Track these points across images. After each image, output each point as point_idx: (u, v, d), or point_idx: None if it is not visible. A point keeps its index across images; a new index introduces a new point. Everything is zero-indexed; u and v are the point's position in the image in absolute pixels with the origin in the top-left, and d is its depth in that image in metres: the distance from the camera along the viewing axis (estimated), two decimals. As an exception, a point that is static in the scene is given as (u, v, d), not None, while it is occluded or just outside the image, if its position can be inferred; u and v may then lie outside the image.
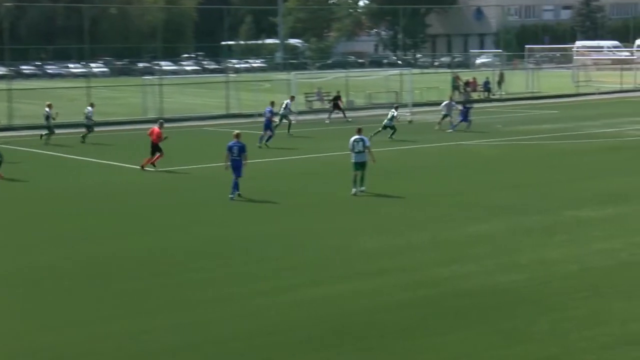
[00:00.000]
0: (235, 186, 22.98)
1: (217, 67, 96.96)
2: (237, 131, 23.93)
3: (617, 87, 63.56)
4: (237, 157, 23.08)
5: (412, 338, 12.14)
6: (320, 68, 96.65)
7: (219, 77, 66.33)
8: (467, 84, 58.03)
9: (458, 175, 26.46)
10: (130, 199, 23.66)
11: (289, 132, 37.97)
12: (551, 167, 27.54)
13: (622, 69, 65.58)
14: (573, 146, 32.87)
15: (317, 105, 52.37)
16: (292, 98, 40.64)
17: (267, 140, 34.25)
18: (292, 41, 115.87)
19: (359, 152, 23.26)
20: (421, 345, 11.91)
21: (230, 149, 23.27)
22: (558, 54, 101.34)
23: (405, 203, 22.12)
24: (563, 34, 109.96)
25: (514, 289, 14.32)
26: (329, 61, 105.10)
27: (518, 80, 62.75)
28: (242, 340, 12.25)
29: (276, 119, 37.09)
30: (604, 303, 13.49)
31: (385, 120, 35.87)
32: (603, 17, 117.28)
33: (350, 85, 53.83)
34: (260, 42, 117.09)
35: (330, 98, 46.72)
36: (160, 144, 28.15)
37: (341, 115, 44.83)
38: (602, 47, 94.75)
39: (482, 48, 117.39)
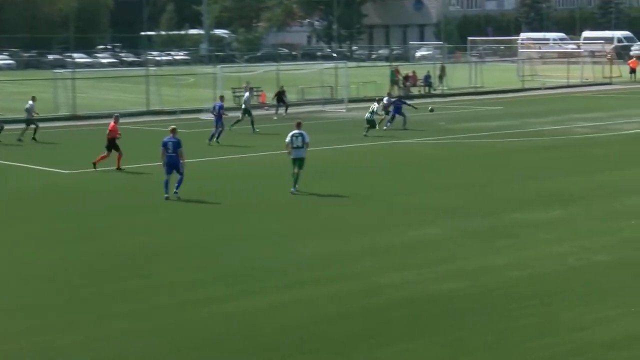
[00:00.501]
0: (167, 185, 23.12)
1: (135, 59, 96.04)
2: (172, 126, 24.17)
3: (564, 81, 64.88)
4: (172, 153, 23.23)
5: (352, 351, 12.22)
6: (248, 61, 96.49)
7: (138, 70, 65.71)
8: (406, 78, 58.58)
9: (399, 175, 26.70)
10: (54, 202, 23.33)
11: (253, 128, 38.10)
12: (496, 166, 27.99)
13: (568, 63, 66.94)
14: (519, 144, 33.45)
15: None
16: (251, 90, 40.75)
17: (217, 137, 34.31)
18: (218, 32, 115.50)
19: (298, 147, 23.49)
20: (362, 359, 11.98)
21: (165, 145, 23.43)
22: (502, 46, 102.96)
23: (343, 205, 22.22)
24: (507, 25, 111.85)
25: (458, 298, 14.52)
26: (258, 53, 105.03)
27: (460, 74, 63.60)
28: (166, 356, 12.17)
29: (238, 114, 37.64)
30: (552, 311, 13.76)
31: (367, 114, 36.48)
32: (548, 7, 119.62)
33: (282, 80, 53.82)
34: (183, 32, 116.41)
35: (275, 92, 46.77)
36: (117, 142, 28.16)
37: (283, 110, 45.06)
38: (547, 39, 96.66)
39: (422, 40, 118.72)
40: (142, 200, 23.64)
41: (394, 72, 58.86)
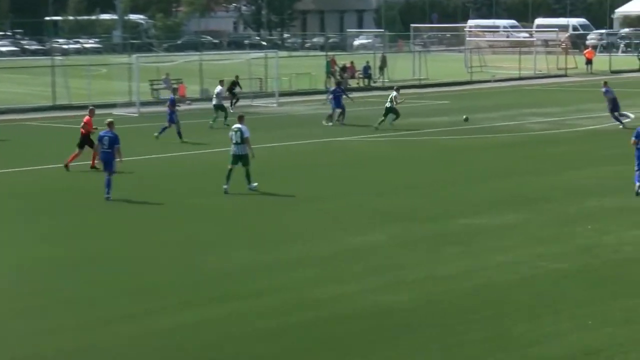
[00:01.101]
0: (108, 184, 23.31)
1: (39, 47, 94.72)
2: (109, 119, 24.48)
3: (515, 73, 65.81)
4: (107, 149, 23.48)
5: (283, 372, 12.25)
6: (168, 50, 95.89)
7: (43, 60, 64.84)
8: (343, 69, 58.83)
9: (337, 176, 26.81)
10: None
11: (225, 120, 38.08)
12: (443, 166, 28.29)
13: (520, 53, 67.89)
14: (468, 142, 33.83)
15: (165, 94, 51.90)
16: (221, 82, 41.08)
17: (164, 131, 34.50)
18: (134, 17, 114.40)
19: (237, 143, 23.88)
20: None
21: (100, 139, 23.71)
22: (448, 34, 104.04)
23: (277, 209, 22.26)
24: (454, 12, 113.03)
25: (401, 311, 14.63)
26: (179, 42, 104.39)
27: (403, 65, 64.07)
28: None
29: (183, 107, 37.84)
30: (504, 325, 13.96)
31: (387, 103, 37.54)
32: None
33: (205, 71, 53.64)
34: (93, 17, 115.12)
35: (229, 84, 46.56)
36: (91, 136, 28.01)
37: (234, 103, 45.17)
38: (497, 27, 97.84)
39: (360, 27, 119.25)
40: (78, 201, 23.43)
41: (330, 63, 59.04)
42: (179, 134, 34.15)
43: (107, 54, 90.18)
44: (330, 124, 38.40)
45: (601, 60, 70.73)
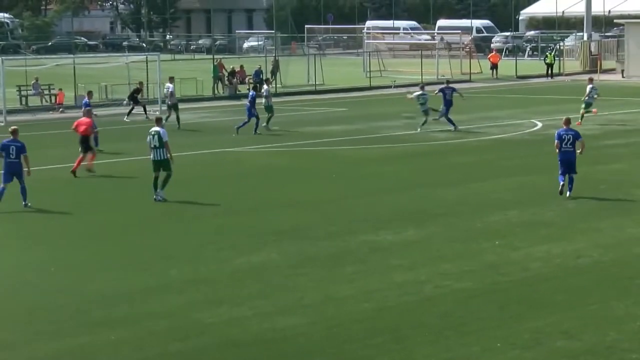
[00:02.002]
0: (23, 192, 23.77)
1: None
2: (13, 127, 24.60)
3: (417, 78, 66.67)
4: (14, 159, 23.61)
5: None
6: (37, 52, 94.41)
7: None
8: (232, 73, 58.82)
9: (227, 190, 26.76)
10: None
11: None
12: (341, 179, 28.47)
13: (422, 56, 68.82)
14: (367, 152, 34.13)
15: (34, 101, 51.16)
16: (171, 79, 41.78)
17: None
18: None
19: (156, 147, 24.37)
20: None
21: (4, 148, 23.80)
22: (345, 36, 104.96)
23: (159, 227, 22.11)
24: (351, 12, 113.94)
25: (295, 336, 14.69)
26: (50, 43, 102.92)
27: (297, 70, 64.38)
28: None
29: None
30: (404, 350, 14.11)
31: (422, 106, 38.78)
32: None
33: (80, 75, 53.00)
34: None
35: (132, 91, 46.09)
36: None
37: (142, 111, 44.76)
38: (397, 28, 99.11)
39: (250, 28, 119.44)
40: None
41: (218, 67, 58.98)
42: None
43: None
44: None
45: (507, 65, 72.19)
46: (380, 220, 22.57)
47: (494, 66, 70.54)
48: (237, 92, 56.74)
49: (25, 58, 65.34)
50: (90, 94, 37.95)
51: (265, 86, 42.17)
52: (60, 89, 50.48)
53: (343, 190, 26.64)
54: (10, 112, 45.21)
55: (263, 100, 40.27)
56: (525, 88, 60.98)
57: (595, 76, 48.85)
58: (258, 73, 60.69)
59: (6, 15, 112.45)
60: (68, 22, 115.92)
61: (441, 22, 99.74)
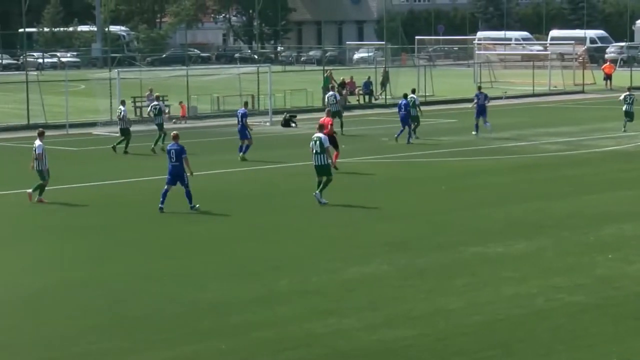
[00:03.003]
0: (187, 195, 25.08)
1: (12, 62, 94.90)
2: (174, 132, 26.04)
3: (529, 90, 65.97)
4: (175, 162, 25.22)
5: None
6: (152, 64, 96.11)
7: (16, 75, 64.94)
8: (342, 84, 58.97)
9: (332, 201, 26.82)
10: None
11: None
12: (452, 190, 28.30)
13: (534, 67, 68.07)
14: (478, 164, 33.88)
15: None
16: (157, 98, 41.15)
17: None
18: (115, 29, 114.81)
19: (317, 153, 25.50)
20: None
21: (168, 153, 25.35)
22: (455, 47, 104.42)
23: (265, 237, 22.26)
24: (461, 23, 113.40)
25: (404, 348, 14.62)
26: (164, 55, 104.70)
27: (406, 81, 64.04)
28: None
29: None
30: (517, 362, 13.96)
31: (411, 109, 39.58)
32: (510, 2, 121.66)
33: (192, 87, 53.77)
34: (71, 29, 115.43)
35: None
36: None
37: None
38: (509, 39, 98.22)
39: (360, 39, 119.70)
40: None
41: (329, 78, 59.18)
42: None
43: (85, 69, 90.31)
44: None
45: (621, 75, 70.91)
46: (490, 233, 22.36)
47: (608, 77, 69.37)
48: (347, 104, 56.78)
49: (140, 70, 66.57)
50: (246, 104, 38.38)
51: (331, 92, 43.72)
52: (181, 102, 50.67)
53: (452, 202, 26.46)
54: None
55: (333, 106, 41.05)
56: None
57: None
58: (367, 84, 60.81)
59: (122, 28, 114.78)
60: (182, 34, 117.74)
61: (554, 33, 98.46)
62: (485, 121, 41.25)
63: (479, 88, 42.88)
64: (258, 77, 54.45)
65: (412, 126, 40.02)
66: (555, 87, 68.64)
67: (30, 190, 26.56)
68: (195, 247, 21.72)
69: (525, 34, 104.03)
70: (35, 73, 63.42)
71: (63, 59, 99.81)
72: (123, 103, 39.80)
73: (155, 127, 38.63)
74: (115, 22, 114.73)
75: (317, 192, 25.58)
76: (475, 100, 41.46)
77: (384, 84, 62.80)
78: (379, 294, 17.47)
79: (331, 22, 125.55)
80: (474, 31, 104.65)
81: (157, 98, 40.80)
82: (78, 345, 15.01)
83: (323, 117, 30.72)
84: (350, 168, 33.56)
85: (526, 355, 14.23)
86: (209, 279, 18.77)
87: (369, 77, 61.10)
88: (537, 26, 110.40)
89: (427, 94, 61.92)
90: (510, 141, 39.85)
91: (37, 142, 26.68)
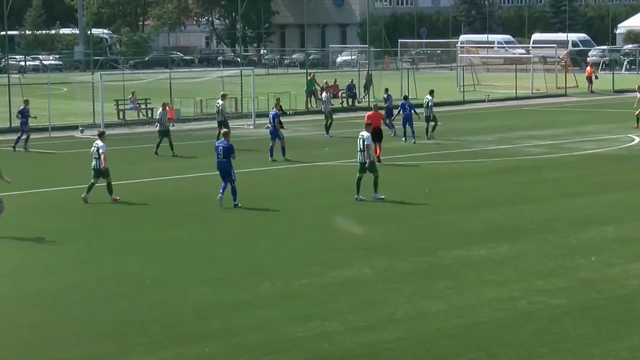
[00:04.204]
0: (232, 192, 25.68)
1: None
2: (224, 130, 26.78)
3: (511, 93, 66.11)
4: (222, 159, 25.73)
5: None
6: (134, 67, 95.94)
7: (-2, 78, 64.68)
8: (325, 88, 58.89)
9: (312, 205, 26.81)
10: None
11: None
12: (433, 194, 28.30)
13: (516, 71, 68.23)
14: (459, 167, 33.90)
15: (131, 115, 51.89)
16: (223, 97, 40.85)
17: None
18: (97, 32, 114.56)
19: (360, 150, 26.50)
20: None
21: (215, 150, 25.95)
22: (438, 50, 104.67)
23: (246, 241, 22.22)
24: (444, 26, 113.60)
25: (385, 351, 14.60)
26: (146, 58, 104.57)
27: (390, 84, 63.95)
28: None
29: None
30: (499, 365, 13.96)
31: (424, 110, 41.02)
32: (492, 5, 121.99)
33: (175, 90, 53.67)
34: (53, 32, 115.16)
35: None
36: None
37: None
38: (492, 42, 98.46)
39: (343, 42, 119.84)
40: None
41: (312, 81, 59.18)
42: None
43: (68, 72, 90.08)
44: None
45: (603, 79, 71.14)
46: (472, 236, 22.37)
47: (590, 80, 69.55)
48: (331, 106, 56.70)
49: (123, 73, 66.39)
50: (278, 105, 38.24)
51: (325, 93, 45.78)
52: (168, 103, 50.05)
53: (435, 205, 26.47)
54: (108, 125, 45.91)
55: (322, 107, 44.05)
56: (622, 102, 59.94)
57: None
58: (350, 87, 60.82)
59: (105, 31, 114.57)
60: (164, 37, 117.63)
61: (536, 36, 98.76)
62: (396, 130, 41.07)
63: (405, 97, 42.25)
64: (241, 80, 54.43)
65: (430, 126, 41.42)
66: (538, 90, 68.82)
67: (84, 195, 26.82)
68: (176, 251, 21.65)
69: (507, 37, 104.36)
70: (17, 76, 63.24)
71: (45, 62, 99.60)
72: (431, 93, 42.10)
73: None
74: (97, 25, 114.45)
75: (374, 194, 26.52)
76: (400, 110, 40.41)
77: (367, 87, 62.87)
78: (360, 298, 17.45)
79: (314, 25, 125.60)
80: (456, 34, 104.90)
81: (164, 106, 38.99)
82: (58, 350, 14.95)
83: (370, 113, 33.21)
84: (332, 171, 33.57)
85: (508, 358, 14.23)
86: (190, 283, 18.71)
87: (352, 80, 61.14)
88: (520, 29, 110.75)
89: (410, 97, 61.91)
90: (492, 144, 39.90)
91: (100, 142, 27.07)
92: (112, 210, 26.48)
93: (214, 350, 14.77)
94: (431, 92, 42.48)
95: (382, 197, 26.59)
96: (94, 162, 27.06)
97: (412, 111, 40.11)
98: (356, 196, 26.52)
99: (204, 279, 18.98)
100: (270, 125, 35.89)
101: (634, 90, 68.42)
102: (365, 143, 26.23)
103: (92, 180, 27.03)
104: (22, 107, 41.19)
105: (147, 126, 48.46)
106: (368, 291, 17.88)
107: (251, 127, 48.12)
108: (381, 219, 24.67)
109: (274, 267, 19.81)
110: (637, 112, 43.34)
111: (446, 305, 16.90)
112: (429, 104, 41.48)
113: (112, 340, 15.38)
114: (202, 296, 17.74)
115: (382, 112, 37.51)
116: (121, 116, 51.57)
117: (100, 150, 26.85)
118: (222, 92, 42.15)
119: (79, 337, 15.52)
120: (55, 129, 46.73)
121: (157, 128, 38.44)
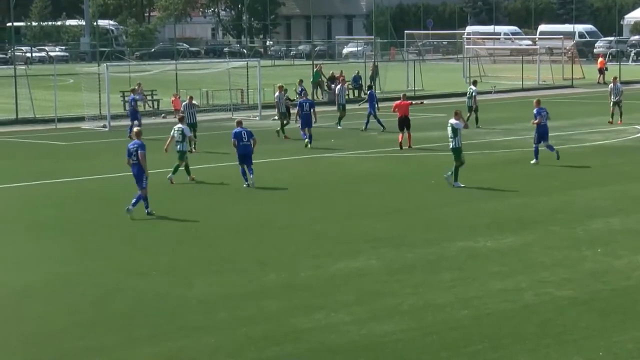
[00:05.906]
0: (250, 172, 27.11)
1: (0, 56, 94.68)
2: (239, 118, 27.49)
3: (518, 84, 66.01)
4: (247, 142, 27.33)
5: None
6: (140, 58, 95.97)
7: (4, 69, 64.77)
8: (332, 79, 58.89)
9: (324, 197, 26.81)
10: None
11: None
12: (439, 185, 28.28)
13: (523, 62, 68.12)
14: (466, 159, 33.69)
15: (137, 106, 51.75)
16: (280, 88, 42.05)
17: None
18: (103, 23, 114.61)
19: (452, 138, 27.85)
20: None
21: (236, 136, 27.38)
22: (444, 42, 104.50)
23: (252, 232, 22.23)
24: (450, 18, 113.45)
25: (392, 343, 14.61)
26: (152, 50, 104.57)
27: (396, 75, 64.23)
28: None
29: None
30: (502, 358, 13.95)
31: (467, 100, 42.60)
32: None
33: (181, 81, 53.66)
34: (59, 23, 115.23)
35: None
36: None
37: None
38: (498, 34, 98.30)
39: (349, 34, 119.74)
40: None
41: (319, 73, 59.13)
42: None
43: (74, 63, 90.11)
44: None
45: (610, 70, 70.92)
46: (478, 227, 22.36)
47: (601, 71, 69.28)
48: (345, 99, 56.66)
49: (129, 64, 66.44)
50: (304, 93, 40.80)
51: (339, 85, 46.61)
52: (176, 94, 49.77)
53: (441, 197, 26.46)
54: (114, 117, 45.96)
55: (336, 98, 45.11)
56: (628, 94, 59.81)
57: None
58: (357, 79, 60.78)
59: (111, 22, 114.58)
60: (170, 28, 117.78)
61: (543, 27, 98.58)
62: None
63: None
64: (247, 71, 54.38)
65: (472, 115, 42.13)
66: (544, 81, 68.71)
67: (170, 175, 28.16)
68: (182, 243, 21.67)
69: (514, 28, 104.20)
70: (24, 67, 63.30)
71: (51, 53, 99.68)
72: (475, 83, 43.81)
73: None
74: (103, 17, 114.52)
75: (456, 182, 27.41)
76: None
77: (373, 78, 62.80)
78: (366, 289, 17.46)
79: (320, 17, 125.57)
80: (463, 26, 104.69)
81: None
82: (64, 341, 14.98)
83: (397, 102, 35.89)
84: (339, 162, 33.56)
85: (514, 350, 14.23)
86: (196, 274, 18.73)
87: (358, 72, 61.09)
88: (526, 21, 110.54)
89: (416, 89, 61.97)
90: (499, 135, 39.85)
91: (182, 125, 28.56)
92: (119, 202, 26.49)
93: (219, 342, 14.79)
94: (474, 83, 43.14)
95: (461, 185, 27.42)
96: (178, 146, 28.03)
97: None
98: (454, 183, 27.40)
99: (209, 271, 19.00)
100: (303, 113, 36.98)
101: (640, 82, 68.69)
102: (456, 128, 27.75)
103: (178, 163, 28.13)
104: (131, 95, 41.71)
105: (153, 117, 48.43)
106: (374, 282, 17.89)
107: (257, 118, 48.09)
108: (387, 211, 24.66)
109: (280, 259, 19.83)
110: None
111: (452, 296, 16.90)
112: (473, 94, 42.42)
113: (117, 332, 15.41)
114: (208, 287, 17.77)
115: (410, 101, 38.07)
116: (127, 107, 51.42)
117: (186, 133, 28.27)
118: (278, 84, 43.44)
119: (85, 329, 15.56)
120: (62, 120, 46.75)
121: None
